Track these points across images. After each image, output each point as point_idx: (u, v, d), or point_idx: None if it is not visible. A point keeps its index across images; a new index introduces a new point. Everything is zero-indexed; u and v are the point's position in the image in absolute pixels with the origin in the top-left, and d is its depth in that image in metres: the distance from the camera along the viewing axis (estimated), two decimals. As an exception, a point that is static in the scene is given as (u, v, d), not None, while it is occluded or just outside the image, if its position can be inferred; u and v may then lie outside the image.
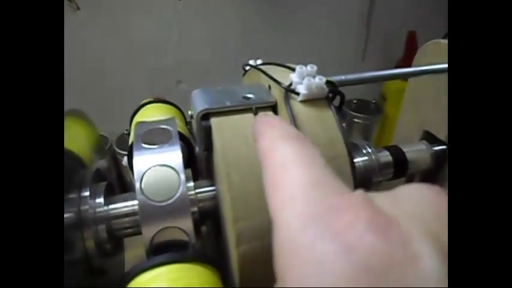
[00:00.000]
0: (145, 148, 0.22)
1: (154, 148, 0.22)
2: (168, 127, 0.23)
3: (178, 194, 0.20)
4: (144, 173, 0.20)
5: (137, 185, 0.20)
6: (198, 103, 0.22)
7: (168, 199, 0.20)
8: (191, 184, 0.23)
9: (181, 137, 0.30)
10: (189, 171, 0.24)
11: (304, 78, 0.20)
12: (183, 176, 0.21)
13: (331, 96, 0.22)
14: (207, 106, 0.21)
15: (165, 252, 0.19)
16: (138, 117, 0.35)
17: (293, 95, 0.21)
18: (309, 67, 0.21)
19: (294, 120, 0.20)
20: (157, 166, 0.21)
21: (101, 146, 0.36)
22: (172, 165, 0.21)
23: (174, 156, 0.22)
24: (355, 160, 0.23)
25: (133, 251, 0.30)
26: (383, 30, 0.80)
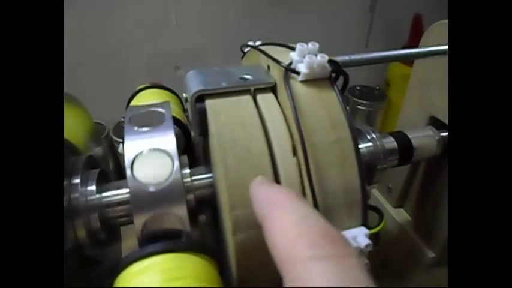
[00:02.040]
0: (136, 132, 0.21)
1: (146, 131, 0.21)
2: (162, 110, 0.22)
3: (171, 179, 0.19)
4: (135, 158, 0.19)
5: (128, 170, 0.19)
6: (193, 84, 0.21)
7: (160, 184, 0.19)
8: (187, 171, 0.22)
9: (178, 123, 0.29)
10: (185, 157, 0.23)
11: (305, 56, 0.19)
12: (176, 162, 0.20)
13: (334, 76, 0.21)
14: (201, 87, 0.20)
15: (158, 241, 0.18)
16: (134, 103, 0.34)
17: (293, 75, 0.20)
18: (310, 45, 0.20)
19: (294, 102, 0.19)
20: (148, 150, 0.20)
21: (96, 132, 0.35)
22: (165, 149, 0.20)
23: (167, 139, 0.20)
24: (358, 146, 0.22)
25: (131, 240, 0.30)
26: (388, 14, 0.78)
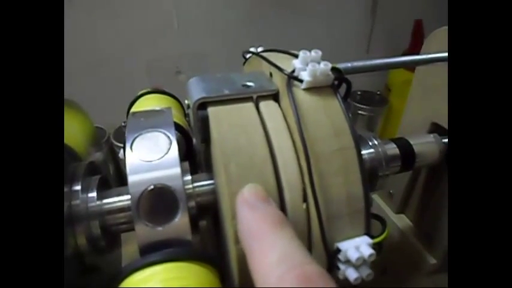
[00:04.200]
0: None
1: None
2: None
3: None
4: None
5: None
6: (195, 91, 0.20)
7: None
8: (188, 177, 0.22)
9: (179, 129, 0.29)
10: (187, 164, 0.23)
11: (308, 64, 0.19)
12: (178, 169, 0.20)
13: (337, 84, 0.21)
14: (203, 94, 0.20)
15: (159, 249, 0.18)
16: (135, 109, 0.34)
17: (296, 83, 0.20)
18: (313, 52, 0.19)
19: (297, 110, 0.19)
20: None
21: (97, 137, 0.35)
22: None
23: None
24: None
25: (132, 245, 0.29)
26: (388, 20, 0.78)
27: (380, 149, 0.26)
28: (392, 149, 0.27)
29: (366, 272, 0.18)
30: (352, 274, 0.17)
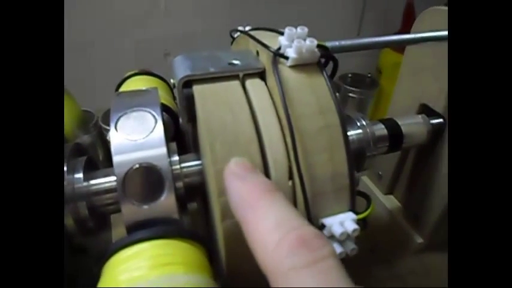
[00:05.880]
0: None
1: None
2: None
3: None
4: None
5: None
6: (180, 69, 0.20)
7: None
8: (176, 158, 0.22)
9: (167, 110, 0.29)
10: (174, 144, 0.23)
11: (294, 41, 0.19)
12: (164, 149, 0.19)
13: (324, 61, 0.20)
14: (188, 72, 0.19)
15: (146, 228, 0.18)
16: (122, 90, 0.33)
17: (282, 60, 0.19)
18: (299, 29, 0.19)
19: (282, 87, 0.18)
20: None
21: (84, 120, 0.34)
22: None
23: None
24: (348, 133, 0.22)
25: (122, 227, 0.29)
26: (380, 2, 0.77)
27: (368, 129, 0.26)
28: (381, 129, 0.28)
29: (350, 246, 0.18)
30: (336, 248, 0.18)
